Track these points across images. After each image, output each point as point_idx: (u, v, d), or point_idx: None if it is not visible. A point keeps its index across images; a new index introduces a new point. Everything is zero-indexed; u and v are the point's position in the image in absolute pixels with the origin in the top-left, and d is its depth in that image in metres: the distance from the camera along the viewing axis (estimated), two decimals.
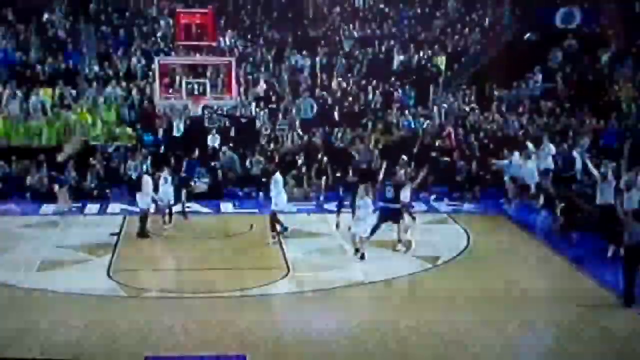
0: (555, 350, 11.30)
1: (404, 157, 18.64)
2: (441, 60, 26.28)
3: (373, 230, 15.42)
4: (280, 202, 16.55)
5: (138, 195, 16.89)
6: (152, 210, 17.16)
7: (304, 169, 20.97)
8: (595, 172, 16.07)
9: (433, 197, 20.34)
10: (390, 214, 15.75)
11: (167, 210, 17.48)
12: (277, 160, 20.80)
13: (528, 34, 26.52)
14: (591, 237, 15.75)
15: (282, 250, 15.83)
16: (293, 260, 15.11)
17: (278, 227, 16.54)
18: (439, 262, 15.22)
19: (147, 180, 16.90)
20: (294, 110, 23.98)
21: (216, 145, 22.10)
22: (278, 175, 16.77)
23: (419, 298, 13.47)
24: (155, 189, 17.09)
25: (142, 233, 16.63)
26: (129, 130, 22.51)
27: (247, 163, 21.41)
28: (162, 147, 22.25)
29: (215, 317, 12.22)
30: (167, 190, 17.29)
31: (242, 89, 24.16)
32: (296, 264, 14.90)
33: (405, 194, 16.26)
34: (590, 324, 12.03)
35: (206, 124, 22.83)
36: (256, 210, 17.87)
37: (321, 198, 20.56)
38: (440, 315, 12.27)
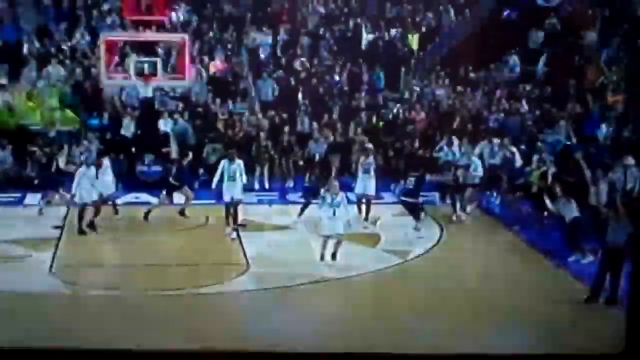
0: (529, 345, 11.57)
1: (369, 144, 18.83)
2: (413, 39, 26.50)
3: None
4: (239, 191, 16.68)
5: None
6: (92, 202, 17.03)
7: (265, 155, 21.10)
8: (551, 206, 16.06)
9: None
10: (409, 208, 16.40)
11: (109, 202, 17.40)
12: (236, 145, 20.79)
13: (506, 12, 26.79)
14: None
15: (241, 244, 15.95)
16: (253, 255, 15.25)
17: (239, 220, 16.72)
18: (409, 257, 15.47)
19: (79, 171, 16.73)
20: (253, 92, 24.03)
21: (168, 129, 22.06)
22: (239, 162, 16.91)
23: (388, 295, 13.71)
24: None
25: (81, 229, 16.57)
26: (72, 113, 22.37)
27: (204, 152, 21.37)
28: (109, 133, 22.13)
29: (168, 317, 12.34)
30: (106, 180, 17.16)
31: (196, 69, 24.15)
32: (256, 259, 15.04)
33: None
34: (565, 318, 12.45)
35: (157, 107, 22.75)
36: (213, 201, 17.96)
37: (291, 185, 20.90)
38: (409, 312, 12.56)
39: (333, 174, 17.73)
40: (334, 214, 14.60)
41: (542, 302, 13.04)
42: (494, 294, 13.44)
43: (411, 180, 16.61)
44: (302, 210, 17.34)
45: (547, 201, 15.71)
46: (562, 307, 12.88)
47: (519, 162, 18.41)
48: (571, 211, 15.20)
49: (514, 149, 18.67)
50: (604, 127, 19.76)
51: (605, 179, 15.63)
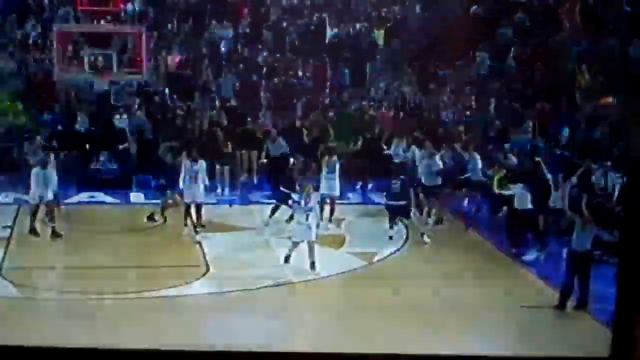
0: (504, 346, 11.83)
1: (333, 143, 18.92)
2: (379, 35, 26.69)
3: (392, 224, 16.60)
4: (201, 193, 16.83)
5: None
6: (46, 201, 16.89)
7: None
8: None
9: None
10: (397, 211, 16.57)
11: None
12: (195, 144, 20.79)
13: (474, 7, 27.07)
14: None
15: (201, 246, 16.03)
16: (213, 257, 15.34)
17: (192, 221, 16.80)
18: (375, 260, 15.65)
19: (34, 171, 16.63)
20: (213, 88, 24.05)
21: (124, 126, 22.01)
22: (201, 162, 16.95)
23: (352, 299, 13.89)
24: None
25: (33, 229, 16.51)
26: (23, 108, 22.17)
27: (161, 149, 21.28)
28: (61, 129, 22.00)
29: (124, 320, 12.38)
30: (48, 179, 16.80)
31: (153, 63, 24.10)
32: (216, 262, 15.14)
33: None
34: (534, 323, 12.73)
35: (113, 102, 22.67)
36: (171, 202, 17.97)
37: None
38: (375, 317, 12.72)
39: (306, 177, 17.54)
40: (307, 218, 14.65)
41: (511, 304, 13.36)
42: (461, 296, 13.66)
43: (396, 184, 16.72)
44: (273, 212, 17.31)
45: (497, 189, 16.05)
46: (533, 310, 13.21)
47: (479, 166, 18.53)
48: (525, 200, 15.54)
49: (477, 156, 18.76)
50: (567, 129, 20.11)
51: (569, 182, 15.87)
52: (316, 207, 14.95)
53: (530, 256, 15.51)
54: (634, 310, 8.42)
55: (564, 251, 14.44)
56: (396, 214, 16.82)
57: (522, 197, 15.75)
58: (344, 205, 18.64)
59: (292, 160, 19.56)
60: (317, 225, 14.97)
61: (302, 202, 14.74)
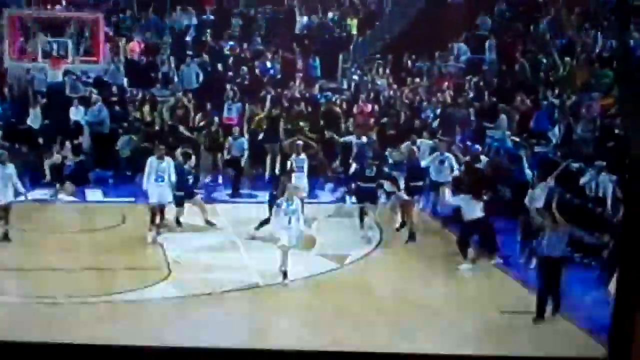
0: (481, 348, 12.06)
1: (299, 141, 18.96)
2: (352, 24, 26.81)
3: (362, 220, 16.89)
4: (168, 193, 16.81)
5: None
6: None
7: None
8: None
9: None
10: (366, 194, 16.80)
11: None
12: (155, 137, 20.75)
13: None
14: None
15: (162, 247, 16.02)
16: (174, 259, 15.37)
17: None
18: (346, 262, 15.75)
19: None
20: (175, 79, 24.03)
21: (79, 118, 21.92)
22: (168, 160, 16.92)
23: (321, 303, 13.97)
24: None
25: None
26: None
27: (119, 143, 21.25)
28: (13, 121, 21.87)
29: (80, 326, 12.36)
30: (9, 176, 16.34)
31: (112, 51, 24.03)
32: (178, 264, 15.16)
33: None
34: (514, 329, 12.89)
35: (68, 93, 22.57)
36: (132, 199, 17.98)
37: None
38: (345, 323, 12.86)
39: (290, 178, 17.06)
40: (289, 222, 14.57)
41: (488, 306, 13.57)
42: (434, 306, 13.74)
43: (372, 166, 17.15)
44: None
45: (447, 193, 16.09)
46: (512, 321, 13.30)
47: (455, 167, 18.56)
48: (473, 210, 15.53)
49: (449, 155, 18.82)
50: (556, 125, 20.27)
51: (546, 183, 16.00)
52: (298, 210, 14.79)
53: (464, 265, 15.56)
54: (632, 312, 8.64)
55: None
56: (364, 197, 16.95)
57: (471, 204, 15.61)
58: (315, 204, 18.68)
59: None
60: (301, 232, 14.93)
61: (284, 205, 14.66)
